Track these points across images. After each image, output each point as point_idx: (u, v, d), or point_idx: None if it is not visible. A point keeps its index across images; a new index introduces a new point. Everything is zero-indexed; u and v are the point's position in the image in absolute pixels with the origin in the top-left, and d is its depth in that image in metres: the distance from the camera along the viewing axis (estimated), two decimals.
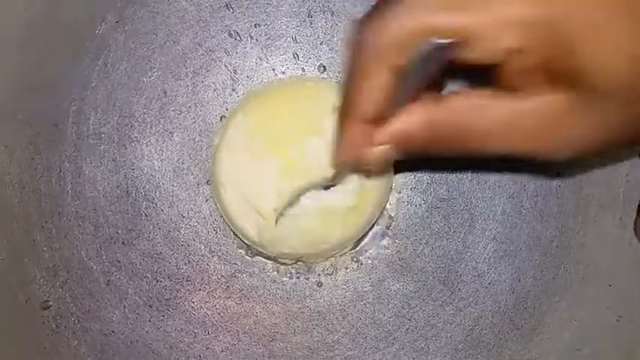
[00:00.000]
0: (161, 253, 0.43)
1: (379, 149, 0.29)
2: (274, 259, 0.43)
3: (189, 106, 0.43)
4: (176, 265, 0.43)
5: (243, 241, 0.42)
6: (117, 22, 0.42)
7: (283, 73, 0.43)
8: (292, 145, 0.39)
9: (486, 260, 0.43)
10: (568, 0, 0.24)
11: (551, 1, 0.24)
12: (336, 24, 0.43)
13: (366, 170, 0.38)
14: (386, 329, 0.43)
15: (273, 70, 0.43)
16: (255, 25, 0.43)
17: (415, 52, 0.26)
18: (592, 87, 0.25)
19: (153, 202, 0.43)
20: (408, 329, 0.43)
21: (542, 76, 0.26)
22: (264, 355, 0.43)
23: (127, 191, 0.43)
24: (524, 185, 0.43)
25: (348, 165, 0.33)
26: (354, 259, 0.43)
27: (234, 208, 0.40)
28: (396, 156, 0.30)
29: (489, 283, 0.43)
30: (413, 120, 0.28)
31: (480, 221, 0.43)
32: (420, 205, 0.43)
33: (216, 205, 0.42)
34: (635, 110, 0.25)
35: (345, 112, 0.29)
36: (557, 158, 0.28)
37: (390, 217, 0.43)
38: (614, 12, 0.24)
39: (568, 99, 0.26)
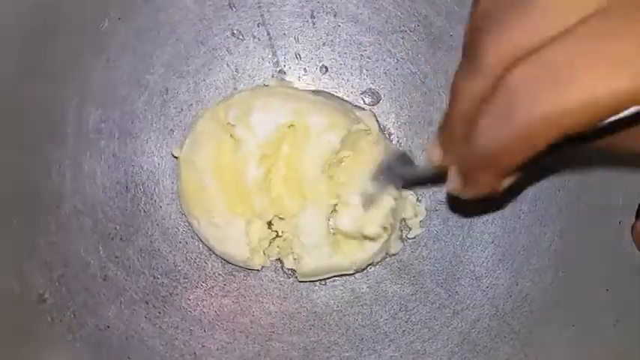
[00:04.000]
0: (159, 249, 0.43)
1: (508, 181, 0.28)
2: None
3: (191, 104, 0.43)
4: (173, 263, 0.43)
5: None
6: (120, 18, 0.42)
7: (284, 73, 0.44)
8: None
9: (484, 264, 0.43)
10: None
11: None
12: (339, 25, 0.44)
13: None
14: (383, 331, 0.43)
15: (275, 69, 0.44)
16: (257, 25, 0.43)
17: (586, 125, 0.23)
18: None
19: (152, 199, 0.43)
20: (404, 331, 0.43)
21: None
22: (259, 355, 0.43)
23: (127, 187, 0.43)
24: (524, 190, 0.43)
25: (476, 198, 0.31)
26: None
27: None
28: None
29: (487, 287, 0.43)
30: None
31: (478, 225, 0.43)
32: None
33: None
34: None
35: (484, 164, 0.26)
36: None
37: None
38: None
39: None
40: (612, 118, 0.22)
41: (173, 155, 0.43)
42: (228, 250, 0.41)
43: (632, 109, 0.21)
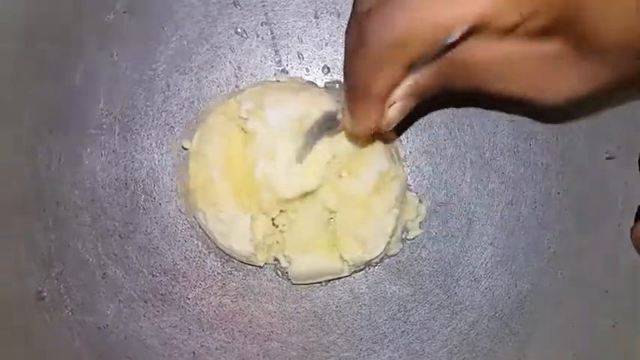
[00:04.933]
0: (158, 247, 0.43)
1: (396, 107, 0.31)
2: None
3: (192, 101, 0.43)
4: (172, 261, 0.43)
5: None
6: (125, 12, 0.42)
7: (287, 72, 0.44)
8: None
9: (483, 265, 0.43)
10: None
11: None
12: (342, 26, 0.44)
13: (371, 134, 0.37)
14: (382, 331, 0.43)
15: (277, 68, 0.44)
16: (261, 24, 0.43)
17: (431, 48, 0.27)
18: (592, 45, 0.26)
19: (151, 196, 0.43)
20: (403, 332, 0.43)
21: (544, 29, 0.27)
22: (258, 355, 0.43)
23: (126, 184, 0.43)
24: (523, 192, 0.43)
25: (366, 132, 0.34)
26: None
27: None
28: (411, 106, 0.32)
29: (486, 288, 0.43)
30: (425, 74, 0.30)
31: (477, 226, 0.43)
32: None
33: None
34: (630, 65, 0.27)
35: (359, 96, 0.31)
36: (551, 102, 0.30)
37: None
38: None
39: (566, 49, 0.27)
40: (452, 39, 0.27)
41: (183, 147, 0.42)
42: (231, 245, 0.41)
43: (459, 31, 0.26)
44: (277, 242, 0.42)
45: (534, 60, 0.28)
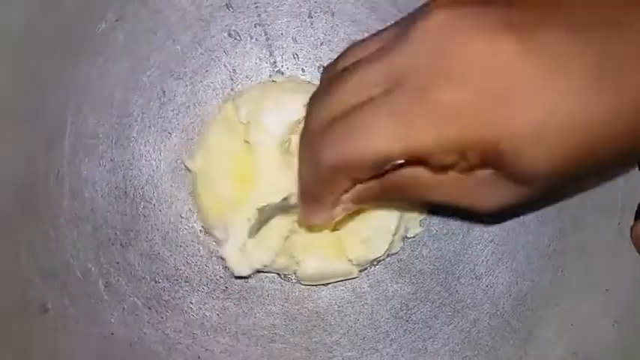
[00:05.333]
0: (159, 254, 0.43)
1: (341, 208, 0.35)
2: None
3: (188, 106, 0.43)
4: (174, 266, 0.43)
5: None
6: (117, 20, 0.42)
7: (282, 73, 0.43)
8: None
9: (484, 263, 0.43)
10: (498, 122, 0.28)
11: (481, 124, 0.28)
12: (337, 25, 0.43)
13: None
14: (384, 330, 0.43)
15: (273, 69, 0.43)
16: (255, 25, 0.43)
17: (372, 172, 0.31)
18: (519, 177, 0.30)
19: (151, 203, 0.43)
20: (406, 330, 0.43)
21: (477, 166, 0.30)
22: (262, 356, 0.43)
23: (126, 192, 0.43)
24: None
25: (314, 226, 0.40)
26: None
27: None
28: (353, 209, 0.36)
29: (487, 286, 0.43)
30: (370, 186, 0.33)
31: (478, 224, 0.43)
32: None
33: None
34: (561, 183, 0.31)
35: (312, 202, 0.35)
36: (484, 212, 0.33)
37: None
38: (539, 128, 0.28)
39: (497, 176, 0.31)
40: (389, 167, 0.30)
41: (187, 168, 0.42)
42: (259, 266, 0.41)
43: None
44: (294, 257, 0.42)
45: (465, 184, 0.32)
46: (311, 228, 0.41)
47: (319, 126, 0.32)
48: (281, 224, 0.40)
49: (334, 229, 0.41)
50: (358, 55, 0.33)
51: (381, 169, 0.31)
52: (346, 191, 0.34)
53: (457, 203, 0.33)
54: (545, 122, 0.27)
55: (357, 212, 0.40)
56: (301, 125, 0.39)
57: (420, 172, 0.32)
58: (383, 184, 0.33)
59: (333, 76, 0.33)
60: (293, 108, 0.40)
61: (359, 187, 0.34)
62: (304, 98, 0.40)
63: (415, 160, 0.30)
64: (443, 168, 0.31)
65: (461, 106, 0.28)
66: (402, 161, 0.30)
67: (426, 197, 0.33)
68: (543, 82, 0.27)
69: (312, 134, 0.33)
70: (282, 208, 0.39)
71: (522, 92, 0.27)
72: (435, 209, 0.43)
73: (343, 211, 0.36)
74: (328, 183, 0.33)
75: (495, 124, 0.28)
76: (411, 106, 0.28)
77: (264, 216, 0.40)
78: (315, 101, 0.34)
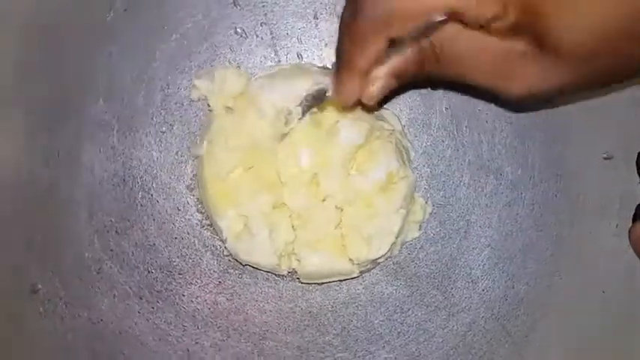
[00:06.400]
0: (154, 244, 0.43)
1: (379, 83, 0.34)
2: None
3: (191, 100, 0.43)
4: (169, 258, 0.43)
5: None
6: (125, 10, 0.42)
7: None
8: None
9: (480, 267, 0.43)
10: None
11: None
12: None
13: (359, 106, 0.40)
14: (377, 332, 0.43)
15: (275, 66, 0.44)
16: (261, 24, 0.44)
17: (413, 28, 0.31)
18: (554, 49, 0.29)
19: (149, 193, 0.43)
20: (399, 333, 0.43)
21: (512, 28, 0.30)
22: (253, 353, 0.42)
23: (124, 180, 0.43)
24: (521, 193, 0.43)
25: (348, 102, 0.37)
26: None
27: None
28: (392, 85, 0.35)
29: (483, 290, 0.43)
30: (406, 56, 0.33)
31: (475, 228, 0.43)
32: None
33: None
34: (592, 68, 0.30)
35: (345, 66, 0.34)
36: (515, 95, 0.32)
37: None
38: None
39: (530, 48, 0.30)
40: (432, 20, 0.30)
41: (193, 155, 0.43)
42: (256, 260, 0.41)
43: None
44: (294, 250, 0.42)
45: (503, 55, 0.31)
46: (345, 106, 0.39)
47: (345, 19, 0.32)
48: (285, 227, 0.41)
49: (370, 111, 0.41)
50: None
51: (423, 24, 0.30)
52: (380, 62, 0.33)
53: (488, 82, 0.33)
54: None
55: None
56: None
57: (457, 35, 0.31)
58: (418, 54, 0.32)
59: None
60: (299, 85, 0.41)
61: (394, 58, 0.33)
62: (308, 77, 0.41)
63: (456, 15, 0.29)
64: (481, 26, 0.30)
65: None
66: (444, 17, 0.30)
67: (460, 73, 0.33)
68: None
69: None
70: (318, 98, 0.40)
71: None
72: (432, 210, 0.43)
73: (378, 89, 0.34)
74: (363, 44, 0.32)
75: None
76: None
77: (302, 109, 0.40)
78: None
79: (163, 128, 0.43)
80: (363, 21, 0.31)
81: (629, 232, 0.41)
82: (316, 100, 0.40)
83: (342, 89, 0.35)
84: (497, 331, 0.43)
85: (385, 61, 0.33)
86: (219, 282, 0.43)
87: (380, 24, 0.31)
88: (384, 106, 0.43)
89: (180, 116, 0.43)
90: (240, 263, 0.42)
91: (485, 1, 0.29)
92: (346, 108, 0.40)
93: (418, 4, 0.29)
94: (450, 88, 0.43)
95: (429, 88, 0.43)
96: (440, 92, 0.43)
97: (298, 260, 0.41)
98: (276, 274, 0.43)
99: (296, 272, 0.42)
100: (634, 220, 0.42)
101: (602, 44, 0.29)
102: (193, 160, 0.43)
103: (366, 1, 0.31)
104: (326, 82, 0.39)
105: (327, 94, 0.39)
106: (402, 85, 0.36)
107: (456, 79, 0.34)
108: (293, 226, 0.41)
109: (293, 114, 0.40)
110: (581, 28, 0.28)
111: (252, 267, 0.42)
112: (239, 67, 0.43)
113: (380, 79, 0.34)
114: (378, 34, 0.31)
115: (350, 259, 0.41)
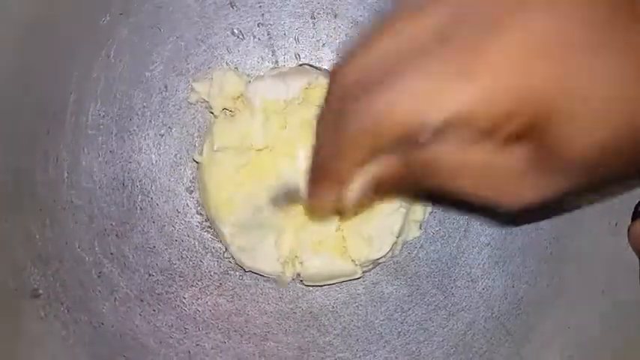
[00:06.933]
0: (154, 247, 0.43)
1: (354, 193, 0.31)
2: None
3: (189, 102, 0.43)
4: (169, 260, 0.43)
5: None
6: (121, 13, 0.42)
7: None
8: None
9: (480, 266, 0.43)
10: (551, 70, 0.25)
11: (534, 71, 0.25)
12: (339, 27, 0.44)
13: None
14: (378, 332, 0.43)
15: (274, 69, 0.44)
16: (258, 25, 0.44)
17: (403, 140, 0.27)
18: (560, 156, 0.26)
19: (148, 196, 0.43)
20: (400, 332, 0.43)
21: (518, 134, 0.27)
22: (254, 354, 0.43)
23: (123, 183, 0.43)
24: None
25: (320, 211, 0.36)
26: None
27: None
28: (367, 198, 0.32)
29: (483, 289, 0.43)
30: (389, 167, 0.30)
31: (475, 227, 0.43)
32: None
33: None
34: (597, 175, 0.28)
35: (322, 174, 0.31)
36: (514, 207, 0.29)
37: None
38: (601, 84, 0.25)
39: (535, 157, 0.27)
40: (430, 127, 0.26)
41: (195, 161, 0.43)
42: (260, 267, 0.41)
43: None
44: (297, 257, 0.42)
45: (503, 167, 0.28)
46: (317, 216, 0.39)
47: (355, 80, 0.28)
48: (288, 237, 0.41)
49: (341, 223, 0.41)
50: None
51: (421, 133, 0.26)
52: (361, 166, 0.30)
53: (481, 195, 0.29)
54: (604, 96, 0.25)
55: (364, 209, 0.41)
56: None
57: (447, 150, 0.28)
58: (405, 164, 0.29)
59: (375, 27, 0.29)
60: (295, 84, 0.41)
61: (378, 168, 0.30)
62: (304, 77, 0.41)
63: (457, 123, 0.26)
64: (478, 137, 0.27)
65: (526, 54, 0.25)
66: (444, 119, 0.25)
67: (450, 185, 0.29)
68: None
69: (343, 92, 0.28)
70: (292, 196, 0.39)
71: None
72: (432, 209, 0.43)
73: (354, 200, 0.31)
74: (348, 148, 0.28)
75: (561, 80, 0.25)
76: (464, 55, 0.25)
77: (274, 203, 0.40)
78: (350, 56, 0.29)
79: (162, 131, 0.43)
80: (347, 129, 0.28)
81: (629, 230, 0.41)
82: (288, 201, 0.40)
83: (317, 197, 0.32)
84: (497, 330, 0.43)
85: (365, 168, 0.30)
86: (220, 284, 0.43)
87: (366, 135, 0.27)
88: None
89: (179, 119, 0.43)
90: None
91: (496, 100, 0.25)
92: (319, 212, 0.38)
93: (413, 110, 0.26)
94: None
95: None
96: None
97: (301, 263, 0.41)
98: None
99: (299, 275, 0.42)
100: (633, 218, 0.41)
101: (611, 155, 0.26)
102: (192, 163, 0.43)
103: (352, 109, 0.27)
104: (300, 172, 0.39)
105: (299, 195, 0.38)
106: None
107: (442, 192, 0.30)
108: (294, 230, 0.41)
109: (292, 114, 0.40)
110: (596, 134, 0.26)
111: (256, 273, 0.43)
112: (237, 68, 0.43)
113: (356, 190, 0.31)
114: (363, 145, 0.28)
115: (352, 260, 0.41)
